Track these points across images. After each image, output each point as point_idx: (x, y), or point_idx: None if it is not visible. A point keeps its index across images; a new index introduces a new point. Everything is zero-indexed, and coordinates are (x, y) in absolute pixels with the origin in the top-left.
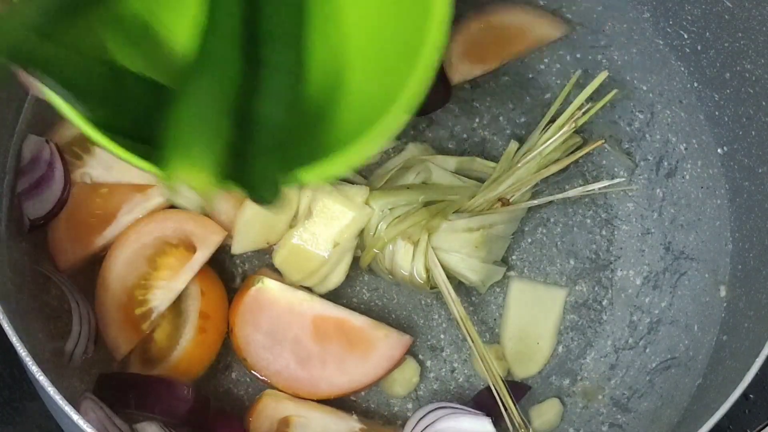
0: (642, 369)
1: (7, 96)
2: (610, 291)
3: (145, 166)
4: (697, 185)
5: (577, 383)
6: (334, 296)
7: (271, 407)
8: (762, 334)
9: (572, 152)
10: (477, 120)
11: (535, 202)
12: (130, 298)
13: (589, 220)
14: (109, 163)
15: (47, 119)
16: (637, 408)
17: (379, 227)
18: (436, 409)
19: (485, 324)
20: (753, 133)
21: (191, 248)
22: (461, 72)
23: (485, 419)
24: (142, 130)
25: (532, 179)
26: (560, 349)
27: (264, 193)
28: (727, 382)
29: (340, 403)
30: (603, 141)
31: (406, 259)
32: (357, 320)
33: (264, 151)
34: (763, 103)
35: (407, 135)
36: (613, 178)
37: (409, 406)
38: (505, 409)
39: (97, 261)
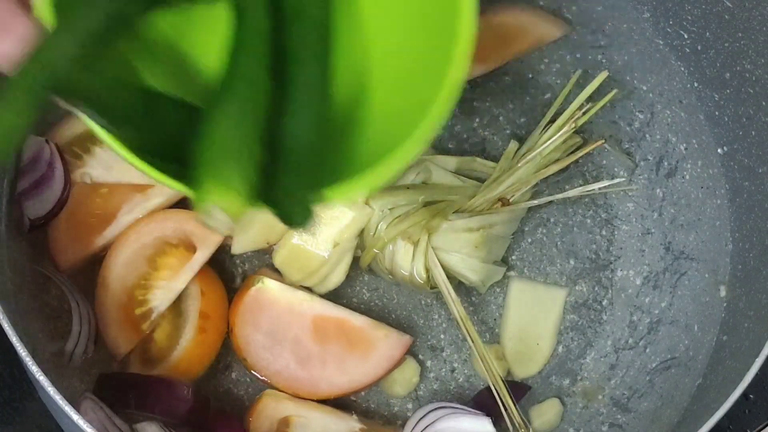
0: (642, 369)
1: None
2: (610, 291)
3: (181, 188)
4: (697, 185)
5: (577, 383)
6: (334, 296)
7: (271, 407)
8: (762, 334)
9: (572, 152)
10: (477, 120)
11: (535, 202)
12: (130, 298)
13: (589, 220)
14: (109, 163)
15: (47, 119)
16: (637, 408)
17: (379, 227)
18: (436, 409)
19: (485, 324)
20: (753, 133)
21: (191, 248)
22: None
23: (485, 419)
24: (175, 150)
25: (532, 179)
26: (560, 349)
27: (294, 214)
28: (727, 382)
29: (340, 403)
30: (603, 141)
31: (406, 259)
32: (357, 320)
33: (291, 170)
34: (763, 103)
35: None
36: (613, 178)
37: (409, 406)
38: (505, 409)
39: (97, 261)
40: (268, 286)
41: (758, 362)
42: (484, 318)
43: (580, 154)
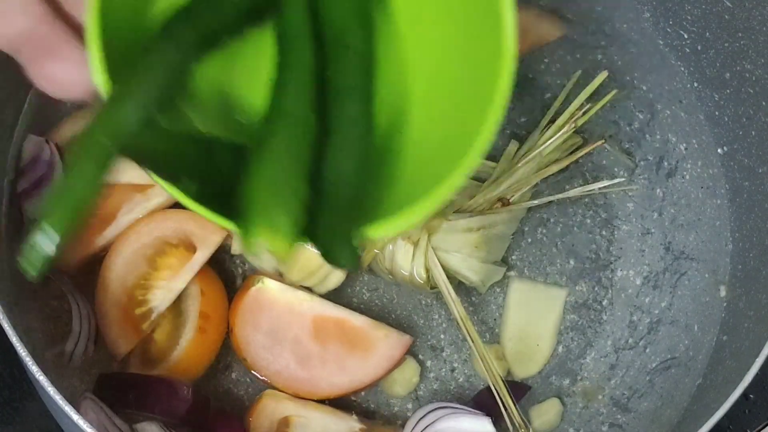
0: (642, 369)
1: (7, 96)
2: (610, 291)
3: (236, 229)
4: (697, 185)
5: (577, 383)
6: (334, 296)
7: (271, 407)
8: (762, 334)
9: (572, 152)
10: None
11: (535, 202)
12: (130, 298)
13: (589, 220)
14: None
15: (47, 119)
16: (637, 408)
17: None
18: (436, 409)
19: (485, 324)
20: (753, 133)
21: (191, 248)
22: None
23: (485, 419)
24: (225, 188)
25: (532, 179)
26: (560, 349)
27: (341, 255)
28: (727, 382)
29: (340, 403)
30: (603, 141)
31: (406, 259)
32: (357, 320)
33: (336, 207)
34: (763, 103)
35: None
36: (613, 178)
37: (409, 406)
38: (505, 409)
39: (97, 261)
40: (268, 286)
41: (758, 362)
42: (484, 318)
43: (580, 154)
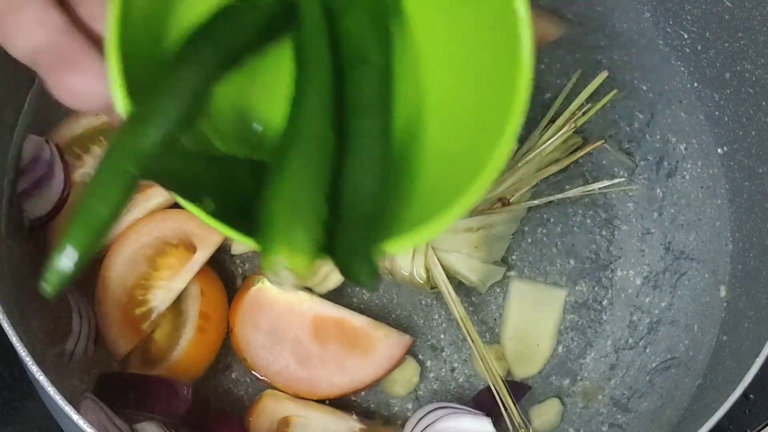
0: (642, 369)
1: (7, 96)
2: (610, 291)
3: (257, 246)
4: (697, 185)
5: (577, 383)
6: (334, 296)
7: (271, 407)
8: (762, 334)
9: (572, 152)
10: None
11: (535, 202)
12: (130, 298)
13: (589, 220)
14: None
15: (47, 119)
16: (637, 408)
17: None
18: (436, 409)
19: (485, 324)
20: (753, 133)
21: (191, 248)
22: None
23: (485, 419)
24: (244, 205)
25: (532, 179)
26: (560, 349)
27: (361, 272)
28: (727, 382)
29: (340, 403)
30: (603, 141)
31: (406, 259)
32: (357, 320)
33: (355, 224)
34: (763, 103)
35: None
36: (613, 178)
37: (409, 406)
38: (505, 409)
39: (97, 261)
40: (268, 286)
41: (758, 362)
42: (484, 318)
43: (580, 154)
